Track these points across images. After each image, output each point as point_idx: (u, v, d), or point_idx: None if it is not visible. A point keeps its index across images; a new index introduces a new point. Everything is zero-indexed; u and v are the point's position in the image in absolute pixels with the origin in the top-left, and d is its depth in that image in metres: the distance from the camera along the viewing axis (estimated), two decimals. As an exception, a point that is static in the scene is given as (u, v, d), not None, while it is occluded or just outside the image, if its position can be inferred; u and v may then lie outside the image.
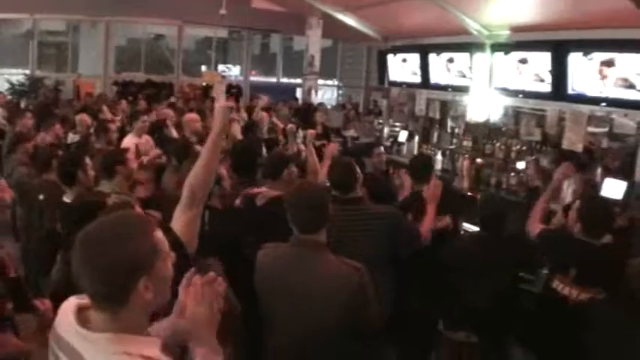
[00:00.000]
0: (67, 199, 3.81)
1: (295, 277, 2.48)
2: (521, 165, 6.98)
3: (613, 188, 5.90)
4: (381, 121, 10.80)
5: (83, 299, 1.44)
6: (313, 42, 13.07)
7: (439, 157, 8.40)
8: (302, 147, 5.52)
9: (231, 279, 2.75)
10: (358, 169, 3.45)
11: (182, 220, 2.27)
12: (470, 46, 7.54)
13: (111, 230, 1.39)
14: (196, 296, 1.48)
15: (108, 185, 3.88)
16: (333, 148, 5.11)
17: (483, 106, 7.58)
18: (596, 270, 3.14)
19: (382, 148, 6.48)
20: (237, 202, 3.74)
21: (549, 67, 6.31)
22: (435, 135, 9.13)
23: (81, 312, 1.42)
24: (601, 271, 3.11)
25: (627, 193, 5.70)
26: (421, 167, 4.49)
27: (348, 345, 2.48)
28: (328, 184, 3.54)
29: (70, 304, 1.45)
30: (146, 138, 6.29)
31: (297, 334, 2.45)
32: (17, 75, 12.91)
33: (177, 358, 1.49)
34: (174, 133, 6.82)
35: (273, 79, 16.29)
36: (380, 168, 5.94)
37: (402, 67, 9.26)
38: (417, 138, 9.28)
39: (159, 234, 1.43)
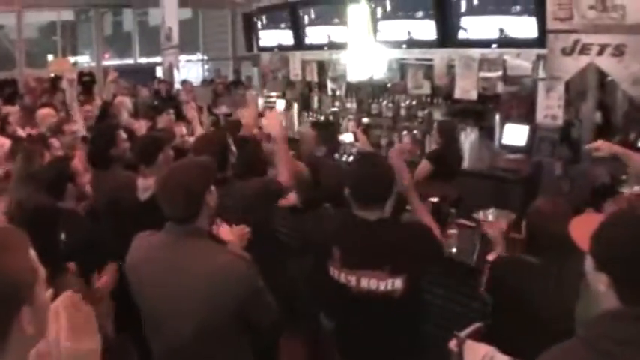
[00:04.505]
0: None
1: (176, 266, 2.12)
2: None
3: (514, 134, 5.54)
4: (254, 92, 9.92)
5: None
6: (169, 12, 11.82)
7: (323, 123, 7.72)
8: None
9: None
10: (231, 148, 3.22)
11: None
12: (343, -3, 6.82)
13: None
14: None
15: None
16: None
17: (365, 62, 6.92)
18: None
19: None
20: None
21: (431, 11, 5.76)
22: (315, 100, 8.45)
23: None
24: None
25: (530, 138, 5.36)
26: None
27: (238, 348, 2.20)
28: None
29: None
30: (2, 141, 5.15)
31: (184, 334, 2.09)
32: None
33: None
34: (21, 132, 5.80)
35: (130, 61, 14.85)
36: None
37: (272, 30, 8.43)
38: (295, 106, 8.51)
39: (33, 253, 1.19)
